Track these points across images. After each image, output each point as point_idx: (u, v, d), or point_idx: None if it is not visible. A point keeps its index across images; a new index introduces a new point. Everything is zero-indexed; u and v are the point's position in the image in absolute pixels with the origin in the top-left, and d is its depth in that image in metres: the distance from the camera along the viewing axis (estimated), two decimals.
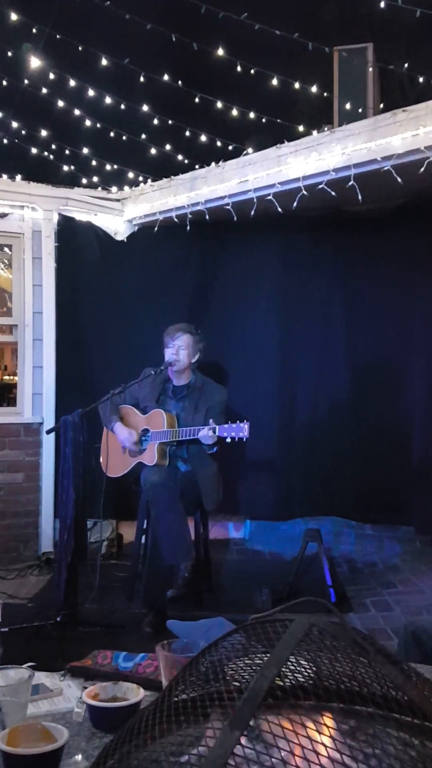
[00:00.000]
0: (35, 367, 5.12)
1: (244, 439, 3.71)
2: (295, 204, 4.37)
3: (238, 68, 4.58)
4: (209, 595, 4.14)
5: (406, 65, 5.03)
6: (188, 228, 4.91)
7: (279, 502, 5.18)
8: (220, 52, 4.50)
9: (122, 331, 5.20)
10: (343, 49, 4.58)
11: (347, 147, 4.01)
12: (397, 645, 2.25)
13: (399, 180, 3.91)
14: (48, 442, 5.02)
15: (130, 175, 5.51)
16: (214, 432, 3.73)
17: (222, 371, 4.99)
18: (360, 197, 4.10)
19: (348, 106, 4.51)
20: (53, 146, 5.55)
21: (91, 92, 4.91)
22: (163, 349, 4.19)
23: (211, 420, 3.80)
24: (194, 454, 4.06)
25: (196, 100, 4.89)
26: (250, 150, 4.61)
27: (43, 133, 5.41)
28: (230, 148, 5.01)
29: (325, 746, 0.72)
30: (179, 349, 4.10)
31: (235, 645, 0.96)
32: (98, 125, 5.25)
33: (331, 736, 0.74)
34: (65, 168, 5.57)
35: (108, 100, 4.96)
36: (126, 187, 5.39)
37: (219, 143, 5.10)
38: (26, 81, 5.13)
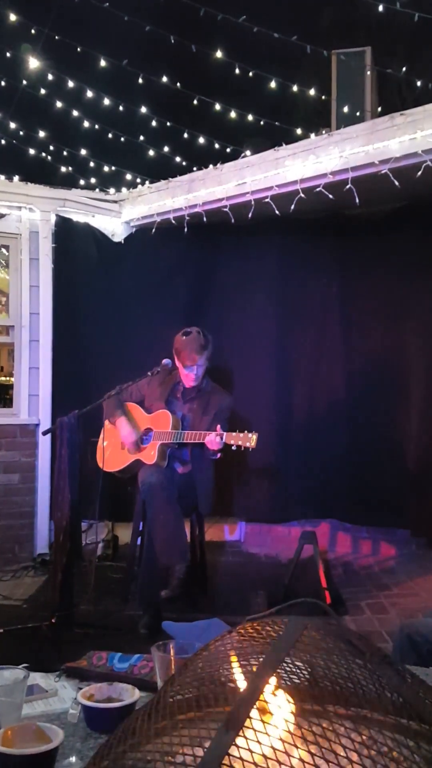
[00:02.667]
0: (32, 368, 5.11)
1: (250, 449, 3.72)
2: (292, 207, 4.38)
3: (237, 71, 4.59)
4: (204, 597, 4.13)
5: (404, 69, 5.04)
6: (186, 230, 4.92)
7: (275, 504, 5.17)
8: (219, 54, 4.51)
9: (119, 333, 5.19)
10: (342, 52, 4.60)
11: (345, 150, 4.02)
12: (392, 647, 2.25)
13: (396, 183, 3.92)
14: (44, 443, 5.02)
15: (128, 176, 5.52)
16: (222, 438, 3.73)
17: (219, 373, 4.99)
18: (357, 200, 4.11)
19: (346, 109, 4.53)
20: (51, 147, 5.56)
21: (89, 93, 4.92)
22: (170, 356, 4.11)
23: (218, 426, 3.80)
24: (195, 456, 4.06)
25: (195, 102, 4.90)
26: (247, 152, 4.62)
27: (41, 134, 5.41)
28: (228, 150, 5.03)
29: (321, 748, 0.72)
30: (199, 368, 4.09)
31: (231, 646, 0.96)
32: (96, 127, 5.25)
33: (326, 738, 0.74)
34: (63, 169, 5.58)
35: (106, 101, 4.97)
36: (124, 189, 5.39)
37: (217, 145, 5.11)
38: (24, 82, 5.13)
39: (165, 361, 4.10)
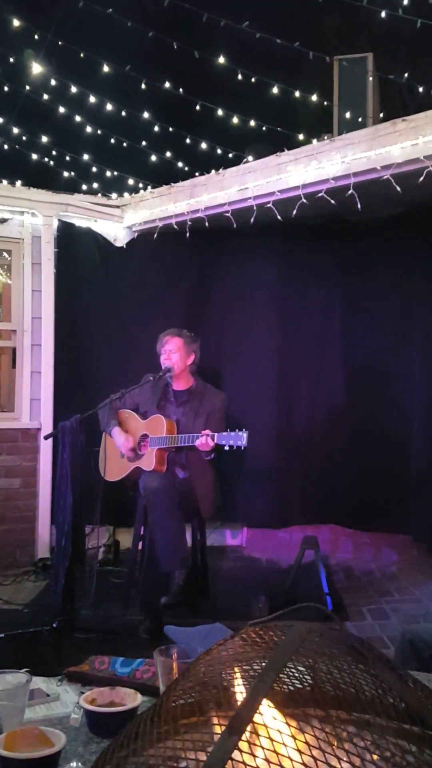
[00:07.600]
0: (33, 372, 5.12)
1: (243, 448, 3.71)
2: (294, 212, 4.39)
3: (239, 76, 4.60)
4: (206, 602, 4.12)
5: (406, 75, 5.06)
6: (188, 235, 4.92)
7: (276, 509, 5.17)
8: (221, 60, 4.53)
9: (121, 337, 5.20)
10: (344, 58, 4.61)
11: (347, 156, 4.03)
12: (393, 653, 2.25)
13: (398, 189, 3.93)
14: (45, 447, 5.02)
15: (130, 181, 5.53)
16: (213, 439, 3.72)
17: (220, 378, 4.99)
18: (359, 206, 4.11)
19: (348, 115, 4.54)
20: (54, 152, 5.57)
21: (92, 99, 4.93)
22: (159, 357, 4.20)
23: (207, 429, 3.79)
24: (193, 460, 4.06)
25: (197, 107, 4.91)
26: (250, 158, 4.63)
27: (44, 139, 5.43)
28: (230, 155, 5.04)
29: (324, 752, 0.72)
30: (170, 354, 4.11)
31: (233, 651, 0.96)
32: (99, 132, 5.26)
33: (329, 743, 0.74)
34: (65, 174, 5.59)
35: (109, 106, 4.98)
36: (126, 194, 5.40)
37: (219, 151, 5.12)
38: (28, 87, 5.15)
39: (166, 365, 4.11)
